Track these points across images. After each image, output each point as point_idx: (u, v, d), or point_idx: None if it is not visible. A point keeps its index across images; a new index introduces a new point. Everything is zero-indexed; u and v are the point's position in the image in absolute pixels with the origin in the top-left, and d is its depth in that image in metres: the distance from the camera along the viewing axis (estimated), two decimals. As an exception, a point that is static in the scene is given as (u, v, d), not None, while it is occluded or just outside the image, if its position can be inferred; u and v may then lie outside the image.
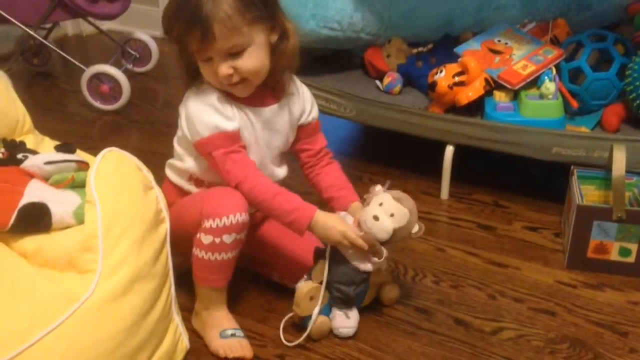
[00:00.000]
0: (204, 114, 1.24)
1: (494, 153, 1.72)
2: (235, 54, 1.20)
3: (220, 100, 1.25)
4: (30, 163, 1.19)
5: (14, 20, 2.25)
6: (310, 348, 1.31)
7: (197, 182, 1.35)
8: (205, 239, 1.21)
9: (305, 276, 1.32)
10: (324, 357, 1.29)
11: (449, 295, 1.46)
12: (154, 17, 2.68)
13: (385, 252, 1.27)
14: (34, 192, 1.14)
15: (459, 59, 1.77)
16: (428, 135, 1.77)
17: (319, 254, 1.32)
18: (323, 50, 2.10)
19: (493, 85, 1.74)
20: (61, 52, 2.42)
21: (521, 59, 1.75)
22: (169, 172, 1.39)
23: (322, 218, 1.24)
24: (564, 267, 1.54)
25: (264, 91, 1.30)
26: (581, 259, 1.51)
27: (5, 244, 1.13)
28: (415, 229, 1.29)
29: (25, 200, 1.12)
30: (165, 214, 1.22)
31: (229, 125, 1.24)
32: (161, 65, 2.71)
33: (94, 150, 1.43)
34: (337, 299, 1.32)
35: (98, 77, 2.34)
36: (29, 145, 1.34)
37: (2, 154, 1.28)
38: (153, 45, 2.65)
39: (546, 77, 1.68)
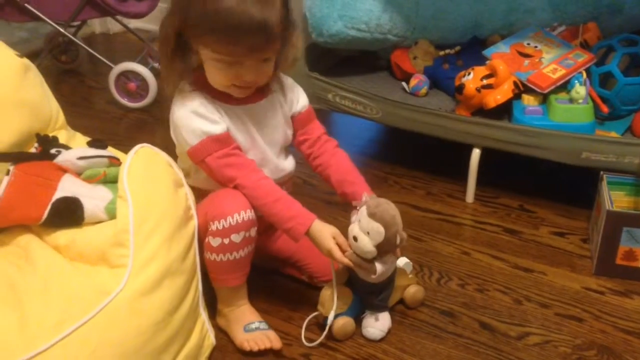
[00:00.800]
0: (189, 121, 1.22)
1: (521, 157, 1.70)
2: (264, 60, 1.20)
3: (204, 105, 1.22)
4: (64, 158, 1.21)
5: (44, 18, 2.28)
6: (335, 348, 1.31)
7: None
8: (214, 241, 1.21)
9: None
10: (349, 358, 1.29)
11: (475, 298, 1.45)
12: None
13: (379, 267, 1.25)
14: (67, 187, 1.15)
15: (488, 62, 1.76)
16: (454, 138, 1.76)
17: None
18: (349, 51, 2.10)
19: (522, 89, 1.73)
20: (90, 50, 2.45)
21: (551, 63, 1.74)
22: None
23: (317, 230, 1.22)
24: (592, 274, 1.52)
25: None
26: (609, 265, 1.49)
27: (39, 237, 1.15)
28: (398, 240, 1.24)
29: (58, 194, 1.14)
30: (193, 210, 1.23)
31: (217, 129, 1.22)
32: (187, 64, 2.72)
33: (121, 147, 1.45)
34: (369, 305, 1.33)
35: (125, 74, 2.36)
36: (62, 141, 1.35)
37: (36, 148, 1.30)
38: (179, 44, 2.66)
39: (577, 81, 1.66)
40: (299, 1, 1.95)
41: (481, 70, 1.74)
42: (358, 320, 1.35)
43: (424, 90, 1.92)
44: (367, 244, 1.22)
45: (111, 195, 1.16)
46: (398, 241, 1.24)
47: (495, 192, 1.85)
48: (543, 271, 1.54)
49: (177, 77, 1.24)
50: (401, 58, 2.00)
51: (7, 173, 1.17)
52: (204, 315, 1.24)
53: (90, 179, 1.19)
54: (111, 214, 1.13)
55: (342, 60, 2.13)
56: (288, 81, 1.37)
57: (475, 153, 1.74)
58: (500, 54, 1.80)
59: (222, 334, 1.33)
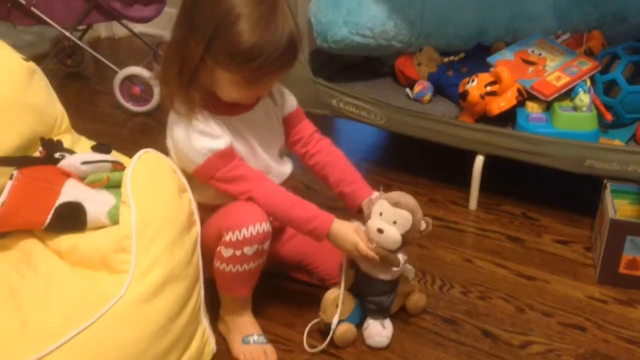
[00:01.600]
0: (193, 141, 1.19)
1: (524, 164, 1.70)
2: None
3: (203, 122, 1.20)
4: (67, 162, 1.21)
5: (50, 22, 2.29)
6: (337, 355, 1.31)
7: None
8: (226, 252, 1.20)
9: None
10: (351, 365, 1.29)
11: (477, 306, 1.45)
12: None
13: (401, 258, 1.26)
14: (70, 192, 1.15)
15: (492, 69, 1.76)
16: (458, 145, 1.76)
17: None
18: (354, 57, 2.10)
19: (526, 96, 1.73)
20: (95, 54, 2.46)
21: (555, 70, 1.74)
22: None
23: (337, 227, 1.23)
24: (595, 282, 1.52)
25: None
26: (613, 274, 1.49)
27: (42, 242, 1.15)
28: (423, 226, 1.25)
29: (61, 199, 1.14)
30: (196, 216, 1.23)
31: (221, 144, 1.21)
32: (192, 69, 2.73)
33: (125, 151, 1.45)
34: (373, 310, 1.32)
35: (130, 79, 2.37)
36: (66, 145, 1.36)
37: (40, 152, 1.30)
38: (184, 49, 2.67)
39: (580, 89, 1.66)
40: (304, 7, 1.95)
41: (485, 77, 1.74)
42: (359, 327, 1.34)
43: (427, 96, 1.92)
44: (394, 233, 1.22)
45: (114, 200, 1.16)
46: (423, 227, 1.25)
47: (499, 199, 1.84)
48: (546, 279, 1.53)
49: (188, 98, 1.20)
50: (405, 64, 2.00)
51: (11, 177, 1.17)
52: (205, 321, 1.24)
53: (93, 184, 1.19)
54: (114, 219, 1.13)
55: (346, 66, 2.13)
56: (275, 85, 1.35)
57: (479, 160, 1.74)
58: (504, 61, 1.80)
59: (223, 339, 1.34)
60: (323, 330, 1.33)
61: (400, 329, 1.37)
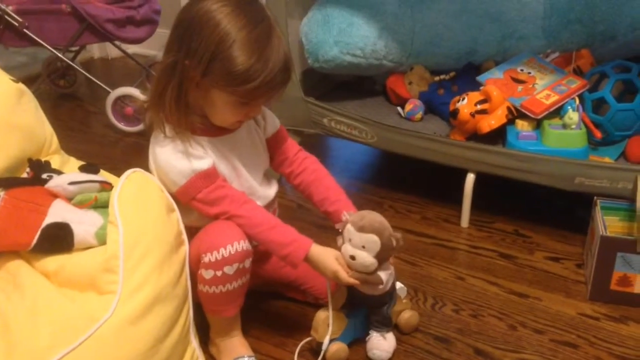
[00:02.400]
0: (175, 162, 1.20)
1: (516, 182, 1.70)
2: None
3: (186, 143, 1.21)
4: (55, 183, 1.21)
5: (43, 43, 2.30)
6: (327, 375, 1.30)
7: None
8: (206, 273, 1.19)
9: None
10: (341, 385, 1.28)
11: (469, 324, 1.44)
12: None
13: (383, 275, 1.25)
14: (58, 212, 1.15)
15: (482, 87, 1.77)
16: (449, 163, 1.77)
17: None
18: (345, 76, 2.12)
19: (515, 114, 1.74)
20: (87, 75, 2.46)
21: (544, 89, 1.75)
22: None
23: (317, 254, 1.22)
24: (587, 299, 1.52)
25: None
26: (604, 291, 1.49)
27: (28, 263, 1.14)
28: (394, 243, 1.24)
29: (48, 220, 1.13)
30: (184, 236, 1.22)
31: (204, 164, 1.21)
32: (185, 89, 2.74)
33: (117, 171, 1.44)
34: (376, 322, 1.33)
35: (122, 99, 2.38)
36: (55, 165, 1.35)
37: (27, 173, 1.30)
38: (177, 69, 2.68)
39: (569, 107, 1.67)
40: (295, 27, 1.97)
41: (475, 96, 1.75)
42: (350, 346, 1.34)
43: (419, 115, 1.92)
44: (366, 258, 1.22)
45: (102, 220, 1.15)
46: (394, 243, 1.24)
47: (491, 216, 1.85)
48: (538, 297, 1.53)
49: (180, 119, 1.20)
50: (396, 83, 2.01)
51: (-2, 199, 1.17)
52: (194, 342, 1.22)
53: (81, 204, 1.18)
54: (101, 240, 1.13)
55: (337, 86, 2.14)
56: None
57: (470, 178, 1.75)
58: (494, 80, 1.81)
59: (214, 360, 1.33)
60: (314, 349, 1.32)
61: (392, 348, 1.36)
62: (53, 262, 1.12)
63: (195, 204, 1.23)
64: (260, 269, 1.42)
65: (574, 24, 1.91)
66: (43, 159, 1.33)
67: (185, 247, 1.21)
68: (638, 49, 1.90)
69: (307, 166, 1.40)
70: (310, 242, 1.23)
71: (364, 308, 1.33)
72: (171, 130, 1.21)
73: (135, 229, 1.10)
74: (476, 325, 1.44)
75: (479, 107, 1.73)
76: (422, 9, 1.97)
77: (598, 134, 1.71)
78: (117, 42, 2.52)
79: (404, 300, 1.41)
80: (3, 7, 2.21)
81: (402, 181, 2.04)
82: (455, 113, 1.75)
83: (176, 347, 1.13)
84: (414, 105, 1.93)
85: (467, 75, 1.93)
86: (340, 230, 1.27)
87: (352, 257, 1.22)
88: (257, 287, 1.43)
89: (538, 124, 1.74)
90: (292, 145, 1.41)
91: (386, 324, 1.33)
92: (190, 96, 1.20)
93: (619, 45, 1.91)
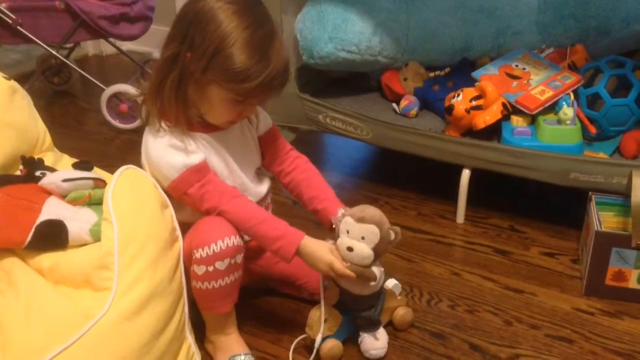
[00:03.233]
0: (167, 156, 1.21)
1: (511, 177, 1.71)
2: None
3: (178, 138, 1.22)
4: (48, 180, 1.20)
5: (37, 40, 2.29)
6: (323, 371, 1.30)
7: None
8: (199, 269, 1.19)
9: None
10: (337, 381, 1.28)
11: (465, 320, 1.44)
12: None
13: (377, 271, 1.25)
14: (52, 210, 1.14)
15: (477, 83, 1.77)
16: (444, 159, 1.77)
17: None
18: (340, 72, 2.11)
19: (510, 110, 1.74)
20: (82, 72, 2.45)
21: (539, 84, 1.75)
22: None
23: (310, 246, 1.22)
24: (582, 294, 1.52)
25: None
26: (599, 286, 1.49)
27: (22, 261, 1.14)
28: (392, 236, 1.25)
29: (42, 217, 1.13)
30: (178, 232, 1.22)
31: (195, 159, 1.22)
32: (179, 86, 2.73)
33: (112, 168, 1.43)
34: (363, 324, 1.32)
35: (117, 96, 2.37)
36: (48, 163, 1.35)
37: (21, 171, 1.29)
38: (172, 66, 2.67)
39: (564, 103, 1.67)
40: (290, 24, 1.97)
41: (470, 92, 1.75)
42: (345, 343, 1.34)
43: (414, 111, 1.92)
44: (364, 249, 1.22)
45: (96, 217, 1.15)
46: (392, 237, 1.24)
47: (486, 212, 1.85)
48: (533, 292, 1.53)
49: (179, 112, 1.21)
50: (392, 79, 2.01)
51: (-9, 196, 1.16)
52: (190, 338, 1.22)
53: (75, 201, 1.18)
54: (96, 237, 1.12)
55: (332, 82, 2.14)
56: None
57: (465, 173, 1.75)
58: (488, 76, 1.81)
59: (210, 358, 1.32)
60: (309, 346, 1.32)
61: (388, 344, 1.35)
62: (47, 259, 1.12)
63: (187, 198, 1.23)
64: (255, 265, 1.42)
65: (568, 19, 1.91)
66: (36, 157, 1.33)
67: (180, 243, 1.21)
68: (632, 45, 1.91)
69: (297, 165, 1.40)
70: (301, 235, 1.23)
71: (350, 312, 1.32)
72: (166, 123, 1.22)
73: (130, 226, 1.09)
74: (472, 321, 1.44)
75: (474, 103, 1.73)
76: (416, 5, 1.97)
77: (593, 130, 1.71)
78: (111, 39, 2.51)
79: (399, 297, 1.41)
80: (-4, 4, 2.21)
81: (398, 177, 2.04)
82: (450, 109, 1.75)
83: (172, 343, 1.13)
84: (409, 102, 1.93)
85: (462, 71, 1.93)
86: (334, 226, 1.27)
87: (350, 249, 1.22)
88: (252, 284, 1.43)
89: (533, 120, 1.74)
90: (283, 145, 1.41)
91: (375, 324, 1.32)
92: (189, 91, 1.21)
93: (612, 41, 1.92)
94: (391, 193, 1.96)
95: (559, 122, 1.67)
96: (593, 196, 1.57)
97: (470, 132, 1.76)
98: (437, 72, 1.98)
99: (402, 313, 1.40)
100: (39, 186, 1.20)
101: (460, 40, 1.98)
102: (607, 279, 1.48)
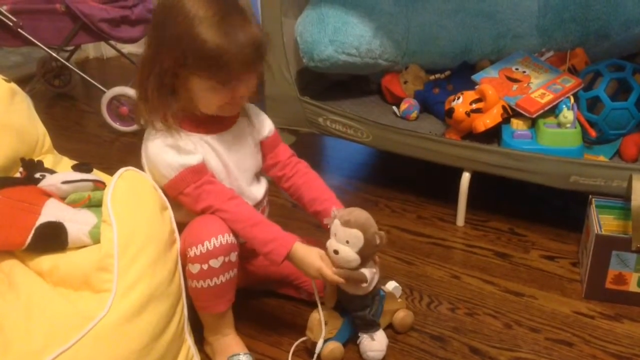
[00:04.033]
0: (165, 155, 1.21)
1: (511, 180, 1.71)
2: (254, 72, 1.23)
3: (177, 138, 1.23)
4: (48, 182, 1.20)
5: (37, 43, 2.30)
6: (323, 374, 1.30)
7: None
8: (193, 268, 1.20)
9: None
10: (337, 384, 1.28)
11: (465, 323, 1.44)
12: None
13: (367, 272, 1.25)
14: (51, 212, 1.14)
15: (477, 86, 1.77)
16: (444, 162, 1.77)
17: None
18: (340, 75, 2.12)
19: (510, 113, 1.74)
20: (82, 74, 2.46)
21: (539, 88, 1.75)
22: None
23: (301, 252, 1.22)
24: (582, 298, 1.52)
25: (221, 116, 1.29)
26: (599, 289, 1.49)
27: (22, 263, 1.14)
28: (378, 241, 1.24)
29: (42, 219, 1.13)
30: (177, 234, 1.22)
31: (193, 159, 1.22)
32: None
33: (112, 171, 1.43)
34: (360, 325, 1.32)
35: (117, 98, 2.38)
36: (48, 165, 1.35)
37: (20, 173, 1.29)
38: (172, 69, 2.68)
39: (564, 106, 1.67)
40: (290, 27, 1.97)
41: (470, 95, 1.75)
42: (346, 344, 1.33)
43: (414, 114, 1.93)
44: (349, 252, 1.22)
45: (95, 219, 1.15)
46: (378, 241, 1.24)
47: (486, 215, 1.85)
48: (533, 295, 1.53)
49: (167, 111, 1.22)
50: (392, 82, 2.01)
51: (-9, 198, 1.16)
52: (189, 340, 1.22)
53: (74, 203, 1.18)
54: (95, 239, 1.12)
55: (333, 85, 2.14)
56: (253, 108, 1.38)
57: (465, 177, 1.75)
58: (489, 79, 1.81)
59: (209, 358, 1.32)
60: (309, 348, 1.32)
61: (388, 347, 1.35)
62: (47, 261, 1.12)
63: (183, 198, 1.23)
64: (252, 265, 1.42)
65: (568, 23, 1.91)
66: (36, 159, 1.33)
67: (178, 245, 1.21)
68: (632, 48, 1.91)
69: (298, 170, 1.41)
70: (293, 240, 1.23)
71: (347, 311, 1.32)
72: (160, 124, 1.23)
73: (129, 227, 1.09)
74: (472, 324, 1.44)
75: (474, 106, 1.73)
76: (417, 8, 1.97)
77: (593, 133, 1.71)
78: (112, 42, 2.51)
79: (399, 300, 1.41)
80: (-3, 6, 2.21)
81: (398, 180, 2.04)
82: (450, 112, 1.75)
83: (171, 344, 1.13)
84: (409, 104, 1.93)
85: (463, 74, 1.93)
86: (328, 226, 1.27)
87: (336, 252, 1.22)
88: (250, 285, 1.43)
89: (533, 123, 1.74)
90: (284, 150, 1.42)
91: (372, 325, 1.32)
92: (176, 90, 1.22)
93: (612, 44, 1.92)
94: (391, 196, 1.96)
95: (559, 125, 1.67)
96: (593, 199, 1.57)
97: (471, 135, 1.76)
98: (438, 75, 1.98)
99: (402, 316, 1.40)
100: (39, 188, 1.20)
101: (461, 44, 1.98)
102: (607, 282, 1.48)
